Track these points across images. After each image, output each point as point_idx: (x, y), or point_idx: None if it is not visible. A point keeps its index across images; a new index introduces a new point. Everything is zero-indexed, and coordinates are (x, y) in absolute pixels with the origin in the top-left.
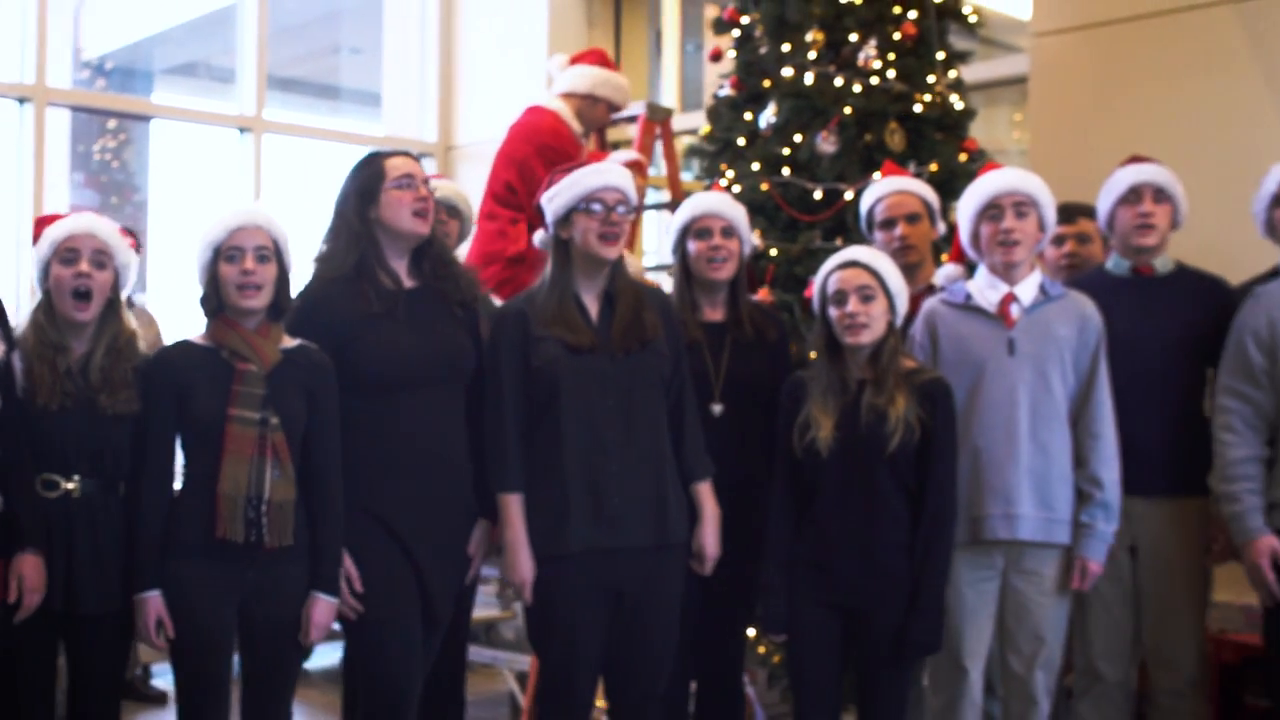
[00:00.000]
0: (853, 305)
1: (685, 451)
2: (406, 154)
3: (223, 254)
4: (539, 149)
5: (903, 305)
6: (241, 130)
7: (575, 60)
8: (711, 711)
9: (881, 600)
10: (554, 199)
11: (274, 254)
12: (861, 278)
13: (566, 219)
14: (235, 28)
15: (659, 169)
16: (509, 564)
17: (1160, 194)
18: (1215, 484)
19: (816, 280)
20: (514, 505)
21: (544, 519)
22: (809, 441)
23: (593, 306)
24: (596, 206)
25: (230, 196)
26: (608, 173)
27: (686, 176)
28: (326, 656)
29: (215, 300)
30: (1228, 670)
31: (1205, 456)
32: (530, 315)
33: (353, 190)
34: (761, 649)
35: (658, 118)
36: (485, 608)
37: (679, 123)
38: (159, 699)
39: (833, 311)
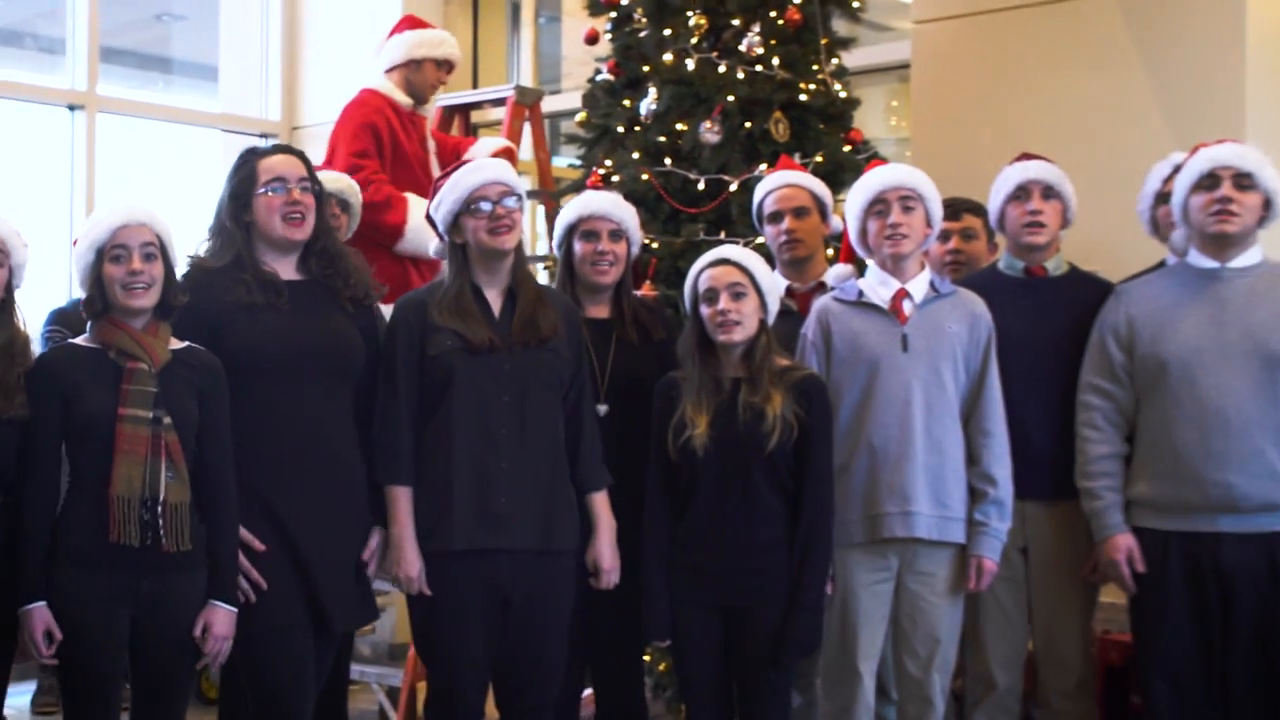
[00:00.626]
0: (724, 303)
1: (581, 459)
2: (287, 150)
3: (107, 254)
4: (347, 128)
5: (774, 303)
6: (71, 107)
7: (391, 34)
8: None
9: (761, 599)
10: (439, 207)
11: (159, 250)
12: (732, 275)
13: (455, 224)
14: None
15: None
16: (394, 559)
17: (1049, 191)
18: (1077, 480)
19: (688, 279)
20: (402, 498)
21: (428, 514)
22: (684, 441)
23: (495, 301)
24: (484, 205)
25: (58, 179)
26: (485, 168)
27: (556, 161)
28: None
29: (101, 302)
30: (1113, 671)
31: None
32: (430, 305)
33: (228, 193)
34: (647, 657)
35: (526, 100)
36: None
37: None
38: None
39: (704, 309)
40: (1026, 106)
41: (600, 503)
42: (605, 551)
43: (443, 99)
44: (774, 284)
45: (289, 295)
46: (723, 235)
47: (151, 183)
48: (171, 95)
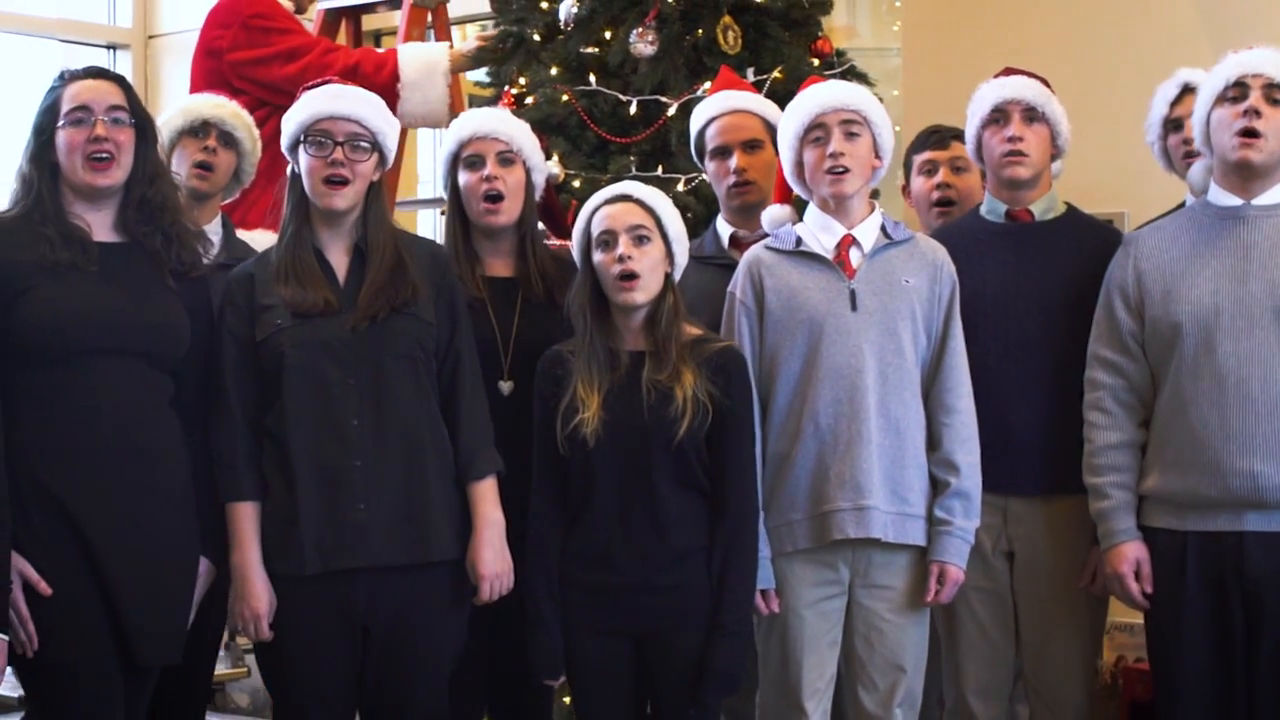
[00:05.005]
0: (623, 247)
1: (460, 443)
2: (99, 73)
3: None
4: (246, 27)
5: (682, 254)
6: None
7: None
8: None
9: (676, 623)
10: (288, 123)
11: None
12: (634, 215)
13: (295, 151)
14: None
15: None
16: (237, 592)
17: (1031, 113)
18: (1084, 475)
19: (579, 219)
20: (243, 518)
21: (275, 533)
22: (573, 429)
23: (340, 263)
24: (322, 140)
25: None
26: (343, 97)
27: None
28: None
29: None
30: (1139, 708)
31: None
32: (258, 277)
33: (33, 128)
34: (568, 699)
35: (428, 3)
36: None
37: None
38: None
39: (599, 256)
40: (1041, 11)
41: (482, 493)
42: (484, 554)
43: (324, 0)
44: (683, 232)
45: (99, 259)
46: (660, 170)
47: None
48: None
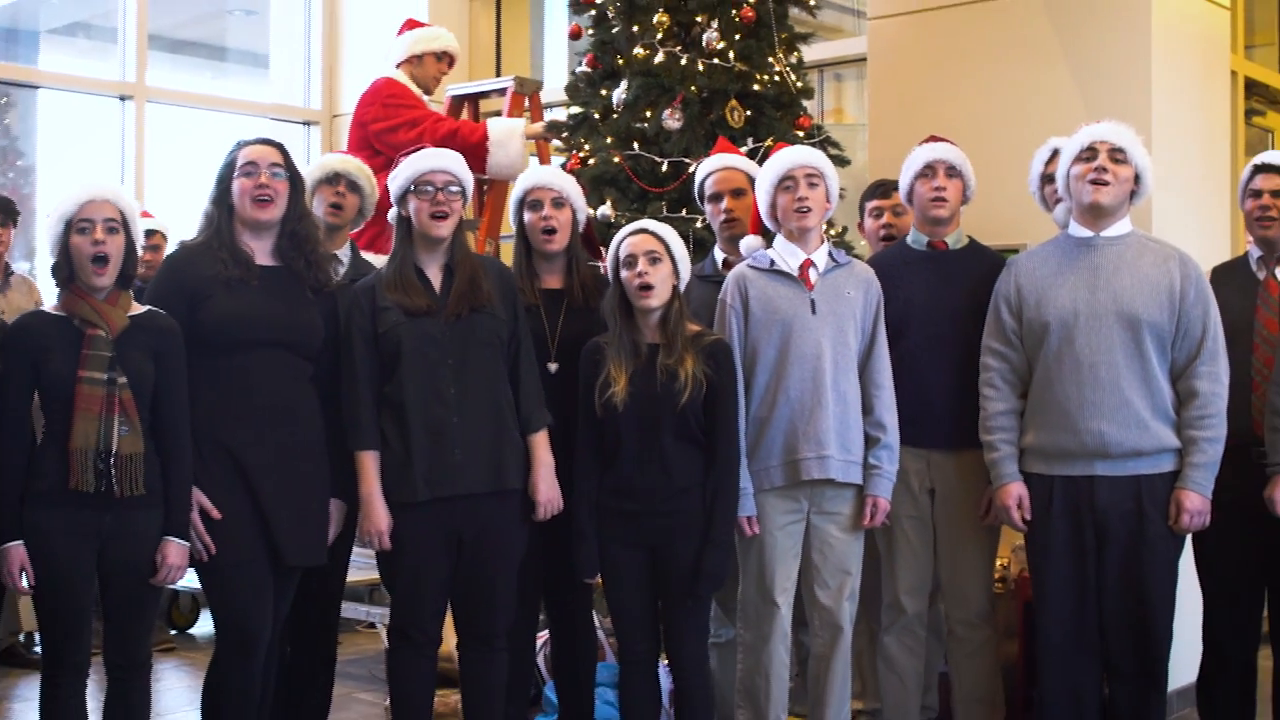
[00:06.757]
0: (641, 265)
1: (522, 405)
2: (265, 141)
3: (74, 226)
4: (384, 105)
5: (686, 271)
6: (122, 98)
7: (398, 35)
8: (565, 651)
9: (679, 536)
10: (395, 180)
11: (122, 225)
12: (649, 243)
13: (403, 199)
14: None
15: None
16: (364, 515)
17: (951, 170)
18: (980, 434)
19: (611, 247)
20: (368, 461)
21: (393, 471)
22: (607, 399)
23: (435, 278)
24: (427, 188)
25: (110, 166)
26: (439, 156)
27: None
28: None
29: (67, 270)
30: (1030, 606)
31: None
32: (378, 288)
33: (216, 179)
34: None
35: (526, 90)
36: (371, 570)
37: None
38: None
39: (624, 273)
40: (968, 95)
41: (538, 442)
42: (540, 486)
43: (451, 88)
44: (685, 254)
45: (260, 276)
46: (684, 212)
47: (203, 172)
48: (226, 85)
